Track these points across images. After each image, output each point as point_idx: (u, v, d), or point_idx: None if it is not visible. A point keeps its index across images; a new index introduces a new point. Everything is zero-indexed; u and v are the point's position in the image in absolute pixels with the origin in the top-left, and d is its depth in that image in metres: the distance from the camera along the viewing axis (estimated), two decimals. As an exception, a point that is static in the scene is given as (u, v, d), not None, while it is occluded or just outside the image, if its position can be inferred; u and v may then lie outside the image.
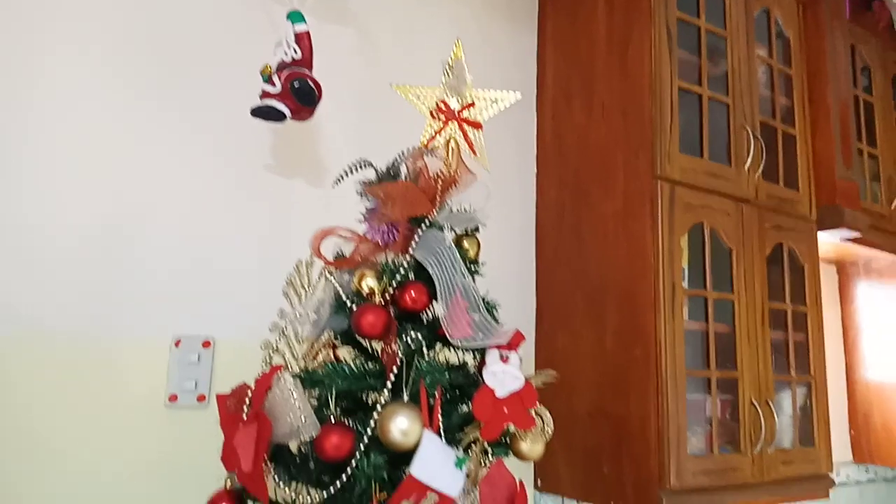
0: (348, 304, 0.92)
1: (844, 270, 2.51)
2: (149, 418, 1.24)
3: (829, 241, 2.02)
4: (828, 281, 2.42)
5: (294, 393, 0.84)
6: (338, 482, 0.84)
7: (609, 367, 1.56)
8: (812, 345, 1.81)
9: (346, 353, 0.98)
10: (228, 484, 0.92)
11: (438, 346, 0.94)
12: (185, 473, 1.21)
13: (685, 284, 1.59)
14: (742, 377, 1.60)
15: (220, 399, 0.91)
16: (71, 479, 1.15)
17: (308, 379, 0.90)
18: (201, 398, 1.27)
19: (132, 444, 1.21)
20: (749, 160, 1.69)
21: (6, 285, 1.14)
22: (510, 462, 0.95)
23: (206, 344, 1.29)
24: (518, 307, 1.75)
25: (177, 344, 1.27)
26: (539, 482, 1.71)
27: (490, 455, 0.97)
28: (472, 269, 1.02)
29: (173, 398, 1.26)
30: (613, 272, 1.58)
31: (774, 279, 1.74)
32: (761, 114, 1.78)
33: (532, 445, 0.99)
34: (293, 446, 0.95)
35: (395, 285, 0.92)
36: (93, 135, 1.25)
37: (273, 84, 1.21)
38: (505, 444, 1.00)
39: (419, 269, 0.95)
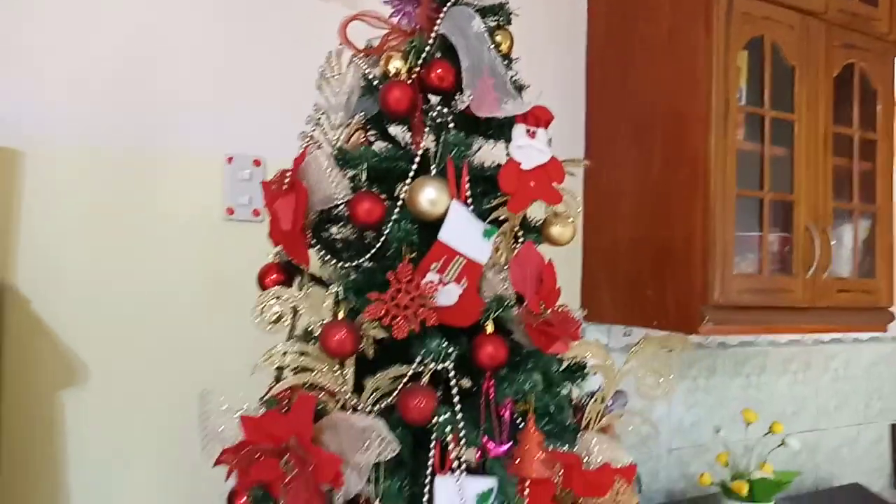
0: (376, 85, 0.94)
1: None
2: (208, 231, 1.33)
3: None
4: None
5: (326, 164, 0.89)
6: (372, 248, 0.90)
7: (654, 193, 1.55)
8: (879, 175, 1.72)
9: (376, 136, 1.01)
10: (276, 258, 1.00)
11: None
12: (241, 283, 1.31)
13: (742, 103, 1.52)
14: (798, 201, 1.54)
15: (265, 184, 0.96)
16: (135, 288, 1.27)
17: (341, 159, 0.94)
18: (256, 213, 1.35)
19: (193, 255, 1.32)
20: (820, -33, 1.55)
21: (64, 107, 1.22)
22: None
23: (257, 163, 1.36)
24: (567, 137, 1.72)
25: (229, 160, 1.34)
26: (585, 312, 1.76)
27: (520, 240, 1.00)
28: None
29: (230, 211, 1.34)
30: (664, 93, 1.52)
31: (841, 102, 1.63)
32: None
33: (562, 229, 1.01)
34: (333, 229, 1.01)
35: (421, 64, 0.93)
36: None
37: None
38: (535, 230, 1.02)
39: (446, 49, 0.95)
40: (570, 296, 1.78)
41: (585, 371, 1.01)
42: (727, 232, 1.42)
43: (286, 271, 0.98)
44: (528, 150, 0.91)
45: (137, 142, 1.27)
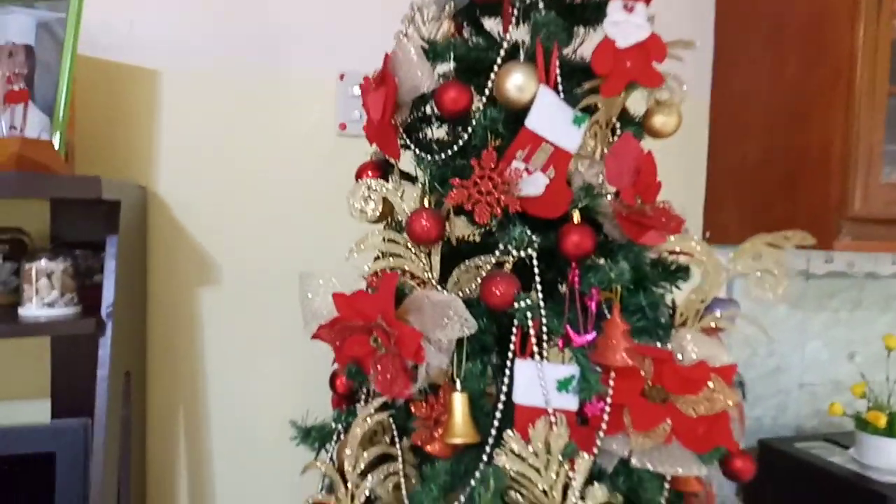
0: (466, -26, 0.92)
1: None
2: (323, 145, 1.41)
3: None
4: None
5: (415, 54, 0.89)
6: (458, 137, 0.90)
7: (788, 97, 1.40)
8: None
9: (469, 31, 0.99)
10: (373, 156, 1.04)
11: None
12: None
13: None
14: (971, 100, 1.32)
15: (363, 82, 0.99)
16: (261, 197, 1.38)
17: (430, 51, 0.94)
18: (364, 127, 1.40)
19: (310, 167, 1.40)
20: None
21: (197, 31, 1.32)
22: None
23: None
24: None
25: (341, 78, 1.39)
26: (707, 234, 1.65)
27: (617, 134, 0.95)
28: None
29: (342, 127, 1.40)
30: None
31: None
32: None
33: (666, 118, 0.95)
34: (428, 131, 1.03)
35: (510, -54, 0.89)
36: None
37: None
38: (636, 123, 0.97)
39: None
40: (692, 220, 1.68)
41: (686, 270, 0.95)
42: (874, 134, 1.25)
43: (381, 168, 1.01)
44: (624, 25, 0.85)
45: (259, 62, 1.36)
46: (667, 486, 0.86)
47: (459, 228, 1.01)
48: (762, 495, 1.58)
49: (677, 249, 0.90)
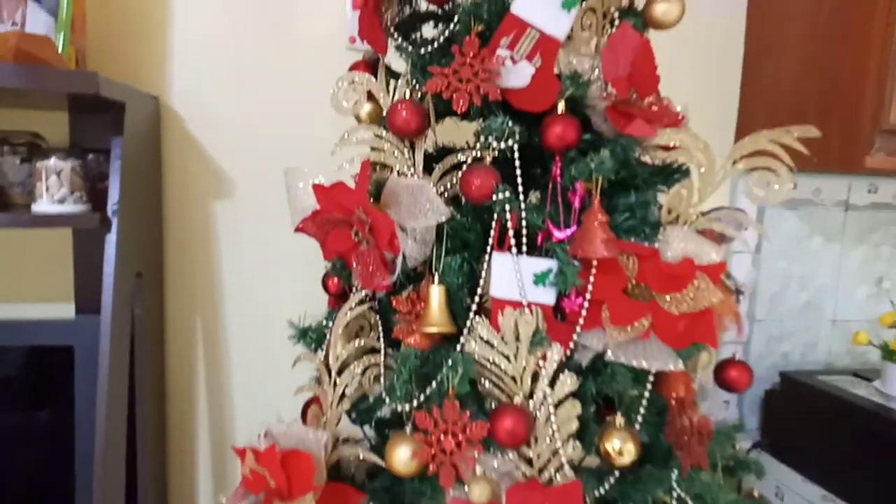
0: None
1: None
2: (332, 58, 1.39)
3: None
4: None
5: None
6: (445, 29, 0.87)
7: (826, 13, 1.29)
8: None
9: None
10: (364, 55, 1.02)
11: None
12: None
13: None
14: None
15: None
16: (273, 110, 1.38)
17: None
18: (374, 40, 1.38)
19: (320, 80, 1.39)
20: None
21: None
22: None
23: (375, -12, 1.37)
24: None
25: (350, -11, 1.37)
26: (737, 159, 1.57)
27: (615, 24, 0.90)
28: None
29: (352, 40, 1.39)
30: None
31: None
32: None
33: (668, 6, 0.89)
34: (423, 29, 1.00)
35: None
36: None
37: None
38: (634, 13, 0.92)
39: None
40: (725, 143, 1.60)
41: (685, 172, 0.90)
42: (916, 39, 1.15)
43: (373, 67, 1.00)
44: None
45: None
46: (649, 385, 0.84)
47: (449, 132, 1.00)
48: (783, 429, 1.53)
49: (671, 144, 0.85)
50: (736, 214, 0.92)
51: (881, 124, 1.17)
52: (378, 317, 0.94)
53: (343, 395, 0.88)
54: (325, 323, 1.02)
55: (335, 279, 1.00)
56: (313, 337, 1.04)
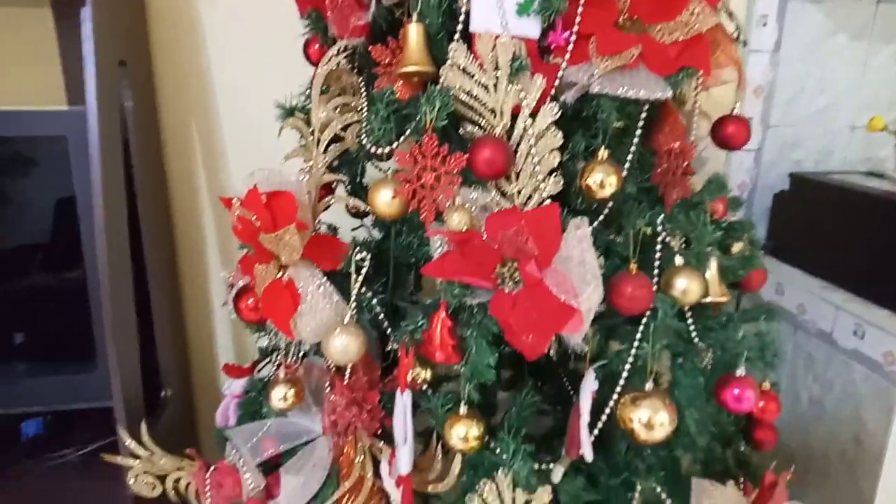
0: None
1: None
2: None
3: None
4: None
5: None
6: None
7: None
8: None
9: None
10: None
11: None
12: None
13: None
14: None
15: None
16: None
17: None
18: None
19: None
20: None
21: None
22: None
23: None
24: None
25: None
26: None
27: None
28: None
29: None
30: None
31: None
32: None
33: None
34: None
35: None
36: None
37: None
38: None
39: None
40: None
41: None
42: None
43: None
44: None
45: None
46: (639, 132, 0.81)
47: None
48: (789, 228, 1.51)
49: None
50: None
51: None
52: (360, 78, 0.91)
53: (327, 149, 0.87)
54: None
55: (316, 43, 0.96)
56: (301, 116, 1.02)
